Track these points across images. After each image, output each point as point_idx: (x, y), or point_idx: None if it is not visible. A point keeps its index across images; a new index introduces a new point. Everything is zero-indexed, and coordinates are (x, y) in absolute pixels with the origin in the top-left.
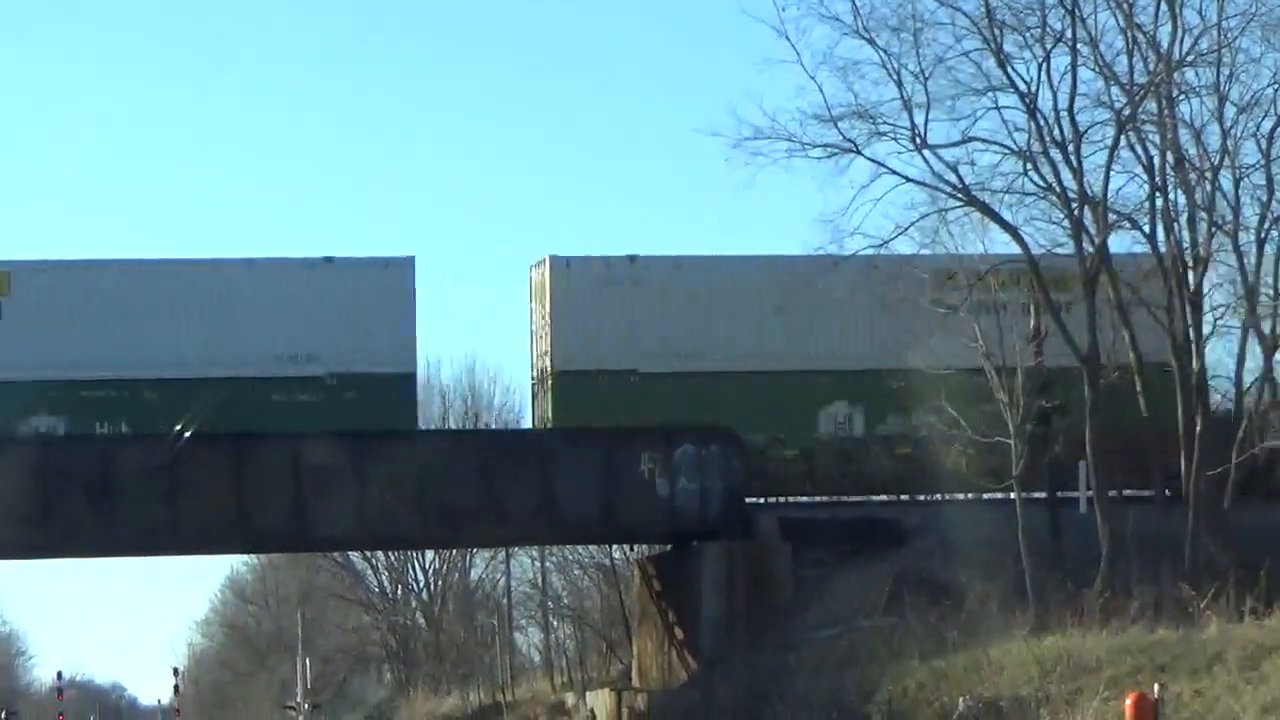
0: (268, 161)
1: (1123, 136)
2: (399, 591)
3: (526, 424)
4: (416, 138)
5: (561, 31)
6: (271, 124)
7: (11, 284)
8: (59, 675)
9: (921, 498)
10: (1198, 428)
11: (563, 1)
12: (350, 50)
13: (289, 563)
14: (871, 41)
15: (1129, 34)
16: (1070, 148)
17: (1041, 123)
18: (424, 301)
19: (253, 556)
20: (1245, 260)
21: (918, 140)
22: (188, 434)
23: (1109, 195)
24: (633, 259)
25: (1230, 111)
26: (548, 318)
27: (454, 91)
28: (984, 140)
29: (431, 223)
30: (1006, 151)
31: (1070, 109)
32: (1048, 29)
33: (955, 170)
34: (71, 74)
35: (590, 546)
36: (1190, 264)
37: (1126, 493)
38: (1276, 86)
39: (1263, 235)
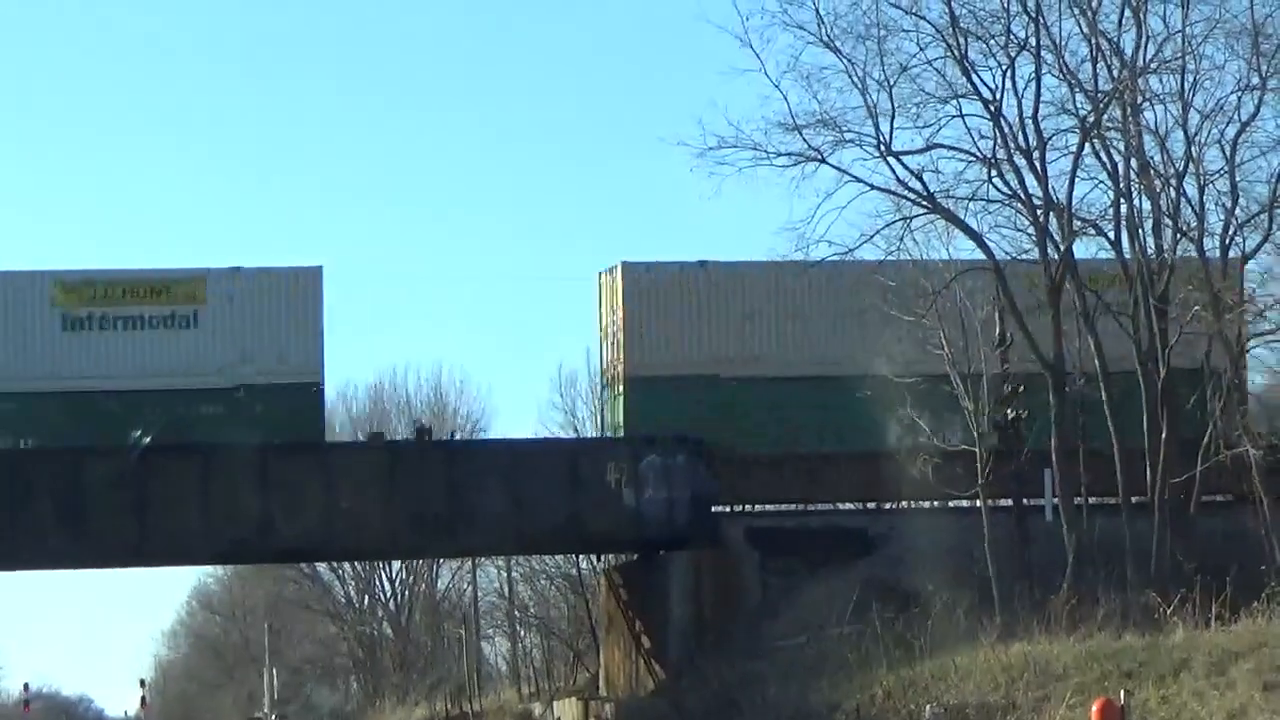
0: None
1: (1087, 143)
2: (366, 602)
3: None
4: (382, 148)
5: (526, 40)
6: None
7: None
8: (26, 687)
9: (888, 506)
10: (1163, 435)
11: (527, 11)
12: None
13: (256, 574)
14: (836, 50)
15: (1093, 41)
16: (1035, 154)
17: (1006, 130)
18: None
19: (219, 568)
20: (1209, 267)
21: (882, 148)
22: (146, 440)
23: (1074, 202)
24: None
25: (1194, 118)
26: None
27: (423, 99)
28: (949, 147)
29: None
30: (971, 158)
31: (1035, 116)
32: (1012, 36)
33: (920, 177)
34: None
35: (557, 556)
36: (1155, 270)
37: (1092, 500)
38: (1240, 93)
39: (1227, 242)
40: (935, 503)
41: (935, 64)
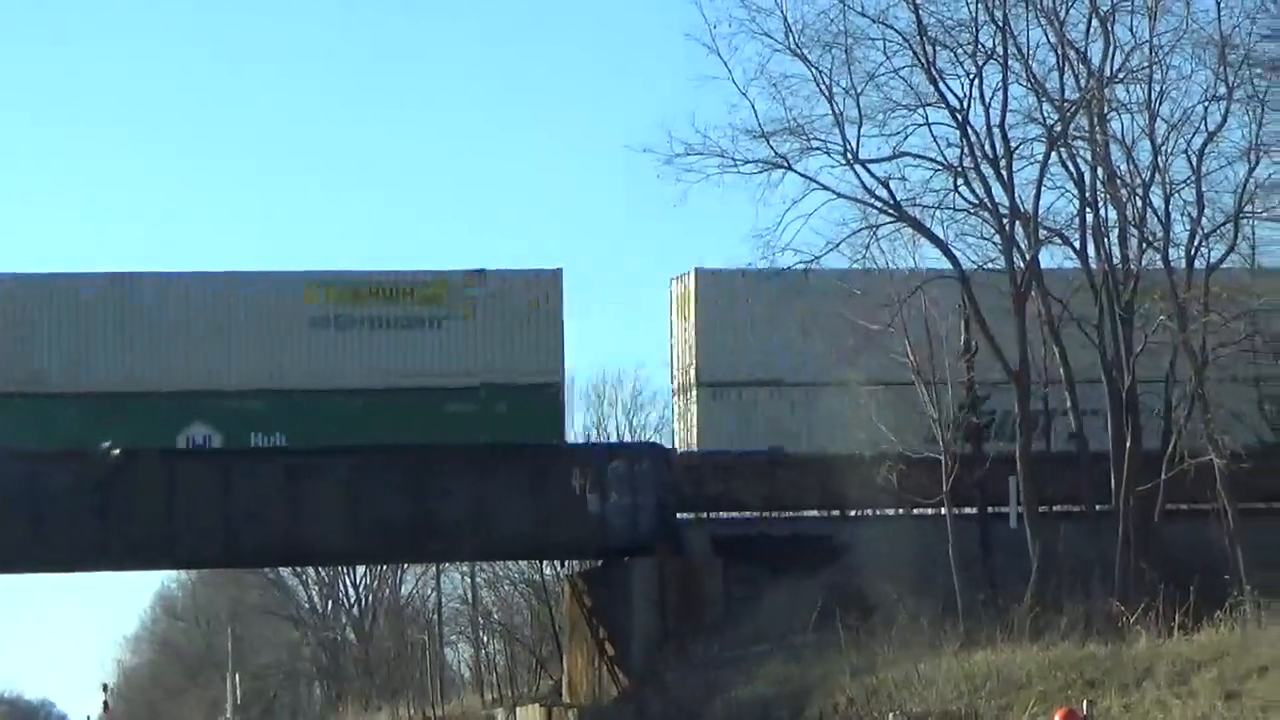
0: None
1: (1054, 152)
2: (329, 607)
3: None
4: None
5: (495, 45)
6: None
7: None
8: None
9: (852, 514)
10: (1128, 444)
11: (497, 17)
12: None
13: (219, 579)
14: (803, 58)
15: (1060, 50)
16: (1001, 163)
17: (973, 138)
18: None
19: (183, 573)
20: (1175, 276)
21: (849, 156)
22: (116, 451)
23: (1040, 211)
24: None
25: (1161, 128)
26: None
27: (377, 104)
28: (915, 156)
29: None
30: (938, 167)
31: (1002, 125)
32: (979, 45)
33: (887, 186)
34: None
35: (521, 562)
36: (1121, 279)
37: (1057, 508)
38: (1207, 103)
39: (1193, 252)
40: (899, 510)
41: (902, 72)
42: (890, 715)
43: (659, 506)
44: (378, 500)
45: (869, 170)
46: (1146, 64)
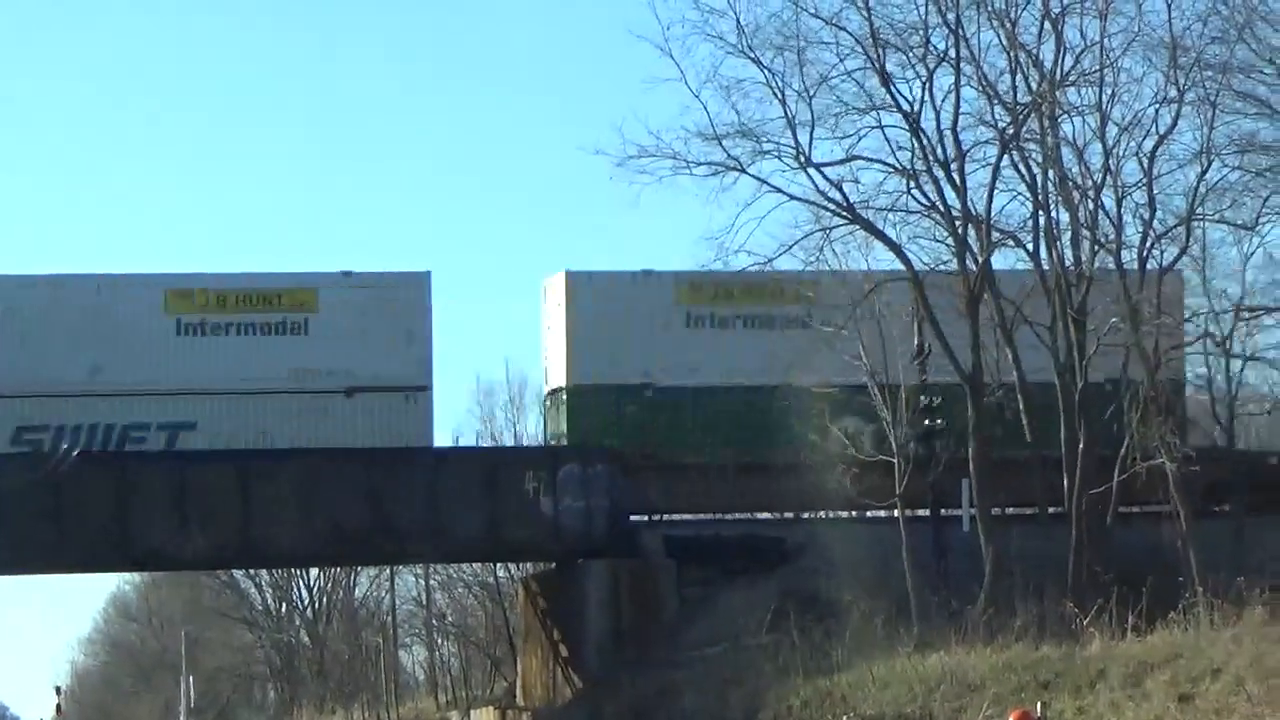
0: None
1: (1006, 155)
2: (283, 609)
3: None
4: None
5: (450, 45)
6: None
7: None
8: None
9: (806, 516)
10: (1080, 446)
11: (452, 17)
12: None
13: (173, 581)
14: (756, 60)
15: (1012, 53)
16: (954, 166)
17: (925, 141)
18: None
19: (137, 575)
20: (1127, 278)
21: (802, 158)
22: (75, 453)
23: (992, 213)
24: None
25: (1112, 131)
26: None
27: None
28: (868, 159)
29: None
30: (890, 170)
31: (954, 128)
32: (931, 48)
33: (839, 188)
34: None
35: (475, 565)
36: (1073, 282)
37: (1009, 510)
38: (1157, 106)
39: (1144, 254)
40: (853, 513)
41: (854, 75)
42: (844, 717)
43: (612, 509)
44: (332, 503)
45: (822, 173)
46: (1098, 66)
